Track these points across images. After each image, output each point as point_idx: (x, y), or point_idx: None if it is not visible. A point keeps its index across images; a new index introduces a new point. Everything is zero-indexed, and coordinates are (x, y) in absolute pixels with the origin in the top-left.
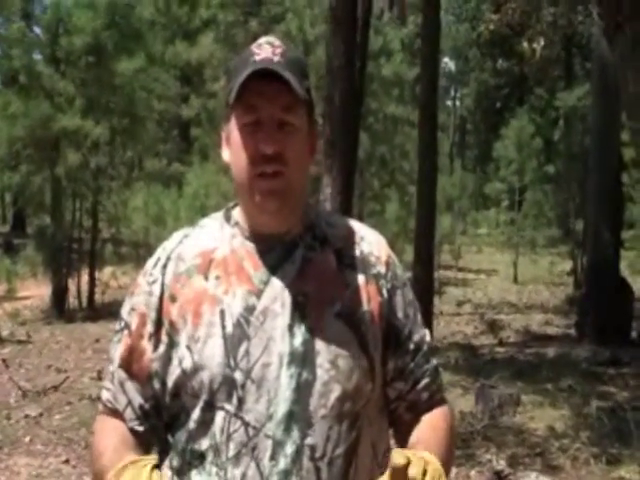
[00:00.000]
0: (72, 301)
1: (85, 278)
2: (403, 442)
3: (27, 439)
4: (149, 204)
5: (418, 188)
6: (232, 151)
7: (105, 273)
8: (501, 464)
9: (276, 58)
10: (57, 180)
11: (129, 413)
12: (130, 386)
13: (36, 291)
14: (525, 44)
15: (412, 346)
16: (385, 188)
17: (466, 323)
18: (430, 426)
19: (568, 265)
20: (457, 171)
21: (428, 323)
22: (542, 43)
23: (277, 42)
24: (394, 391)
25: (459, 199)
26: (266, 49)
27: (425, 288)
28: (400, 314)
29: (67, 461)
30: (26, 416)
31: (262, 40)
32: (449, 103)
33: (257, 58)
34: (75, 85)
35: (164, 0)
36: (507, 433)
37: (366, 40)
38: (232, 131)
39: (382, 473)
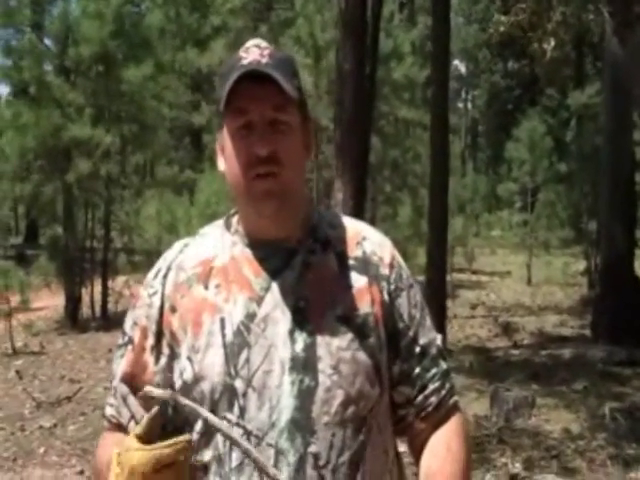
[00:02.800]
0: (85, 311)
1: (98, 288)
2: (417, 453)
3: (41, 450)
4: (161, 212)
5: (430, 191)
6: (226, 158)
7: (118, 282)
8: (517, 467)
9: (264, 60)
10: (69, 190)
11: (133, 426)
12: (133, 400)
13: (50, 302)
14: (535, 45)
15: (418, 349)
16: (397, 191)
17: (480, 326)
18: (446, 447)
19: (582, 265)
20: (469, 173)
21: (441, 326)
22: (552, 43)
23: (264, 44)
24: (401, 396)
25: (471, 201)
26: (253, 52)
27: (438, 291)
28: (405, 316)
29: (82, 472)
30: (40, 427)
31: (249, 44)
32: (460, 105)
33: (245, 62)
34: (85, 94)
35: (174, 8)
36: (522, 436)
37: (376, 44)
38: (225, 139)
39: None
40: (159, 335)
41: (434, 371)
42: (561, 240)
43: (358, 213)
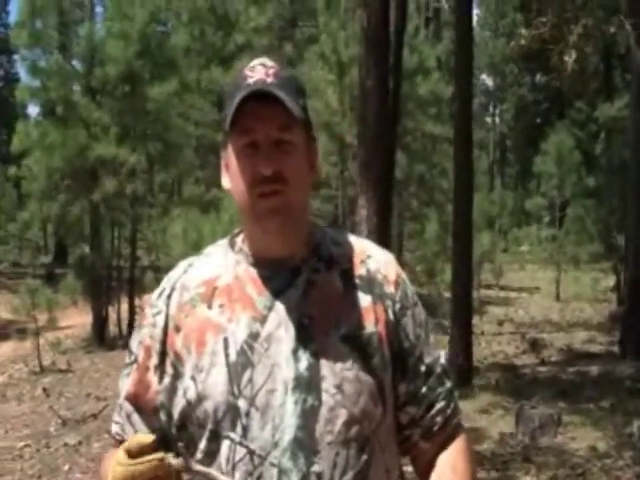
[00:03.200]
0: (112, 329)
1: (125, 306)
2: (422, 473)
3: (66, 467)
4: (188, 230)
5: (454, 207)
6: (231, 176)
7: (145, 300)
8: None
9: (269, 79)
10: (95, 209)
11: None
12: (137, 418)
13: (77, 320)
14: (556, 58)
15: (424, 368)
16: (425, 207)
17: (507, 343)
18: (451, 468)
19: (612, 281)
20: (497, 188)
21: (467, 343)
22: (574, 56)
23: (270, 63)
24: (406, 416)
25: (499, 217)
26: (259, 70)
27: (464, 307)
28: (411, 336)
29: None
30: (65, 444)
31: (255, 62)
32: (488, 120)
33: (250, 81)
34: (110, 114)
35: (199, 26)
36: (548, 454)
37: (400, 59)
38: (230, 157)
39: None
40: (163, 355)
41: (439, 390)
42: (590, 255)
43: (383, 229)
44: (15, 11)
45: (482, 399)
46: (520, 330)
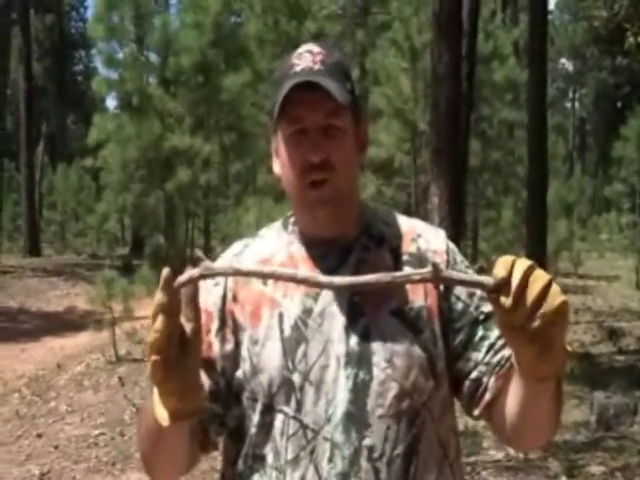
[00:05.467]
0: None
1: None
2: (502, 421)
3: (139, 455)
4: (261, 220)
5: (529, 194)
6: (281, 163)
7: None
8: (617, 475)
9: (316, 66)
10: (170, 200)
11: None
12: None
13: None
14: (631, 39)
15: (482, 317)
16: (500, 195)
17: (584, 332)
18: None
19: None
20: (576, 175)
21: None
22: None
23: (316, 49)
24: (468, 362)
25: (578, 204)
26: (306, 58)
27: None
28: (463, 296)
29: None
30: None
31: (302, 49)
32: (568, 105)
33: (297, 69)
34: (184, 104)
35: (272, 16)
36: (623, 443)
37: (474, 45)
38: (279, 144)
39: (454, 477)
40: (223, 321)
41: (497, 331)
42: None
43: (455, 217)
44: (92, 6)
45: None
46: (598, 319)
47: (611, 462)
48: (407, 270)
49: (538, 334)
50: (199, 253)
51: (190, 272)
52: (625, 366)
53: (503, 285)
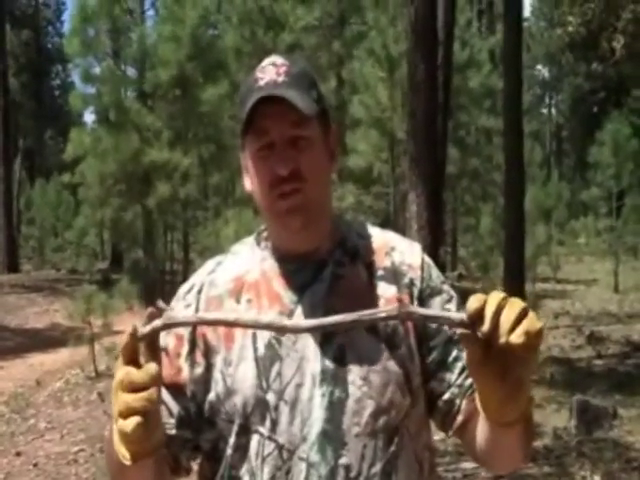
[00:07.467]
0: None
1: None
2: (472, 441)
3: None
4: (240, 232)
5: (506, 200)
6: (251, 178)
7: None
8: None
9: (280, 78)
10: (148, 214)
11: (164, 412)
12: (167, 395)
13: (132, 324)
14: (604, 44)
15: (456, 336)
16: (479, 202)
17: (563, 336)
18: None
19: None
20: (553, 180)
21: None
22: (622, 41)
23: (280, 60)
24: (441, 383)
25: (555, 209)
26: (269, 71)
27: None
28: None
29: None
30: None
31: (265, 62)
32: (544, 111)
33: (261, 83)
34: (162, 118)
35: (249, 28)
36: (603, 448)
37: (450, 53)
38: (248, 160)
39: None
40: (193, 344)
41: None
42: None
43: (434, 225)
44: (69, 21)
45: (536, 393)
46: (577, 323)
47: (593, 467)
48: (377, 305)
49: (509, 371)
50: (161, 304)
51: (153, 323)
52: (604, 370)
53: (477, 318)
